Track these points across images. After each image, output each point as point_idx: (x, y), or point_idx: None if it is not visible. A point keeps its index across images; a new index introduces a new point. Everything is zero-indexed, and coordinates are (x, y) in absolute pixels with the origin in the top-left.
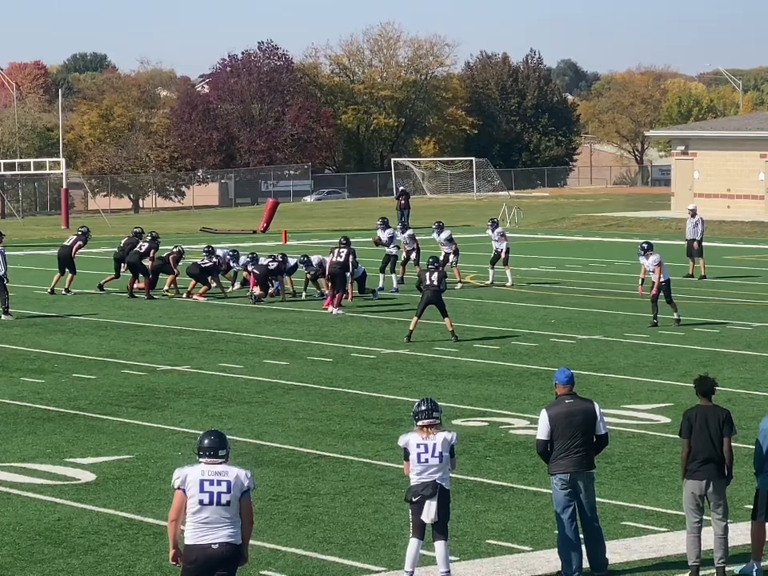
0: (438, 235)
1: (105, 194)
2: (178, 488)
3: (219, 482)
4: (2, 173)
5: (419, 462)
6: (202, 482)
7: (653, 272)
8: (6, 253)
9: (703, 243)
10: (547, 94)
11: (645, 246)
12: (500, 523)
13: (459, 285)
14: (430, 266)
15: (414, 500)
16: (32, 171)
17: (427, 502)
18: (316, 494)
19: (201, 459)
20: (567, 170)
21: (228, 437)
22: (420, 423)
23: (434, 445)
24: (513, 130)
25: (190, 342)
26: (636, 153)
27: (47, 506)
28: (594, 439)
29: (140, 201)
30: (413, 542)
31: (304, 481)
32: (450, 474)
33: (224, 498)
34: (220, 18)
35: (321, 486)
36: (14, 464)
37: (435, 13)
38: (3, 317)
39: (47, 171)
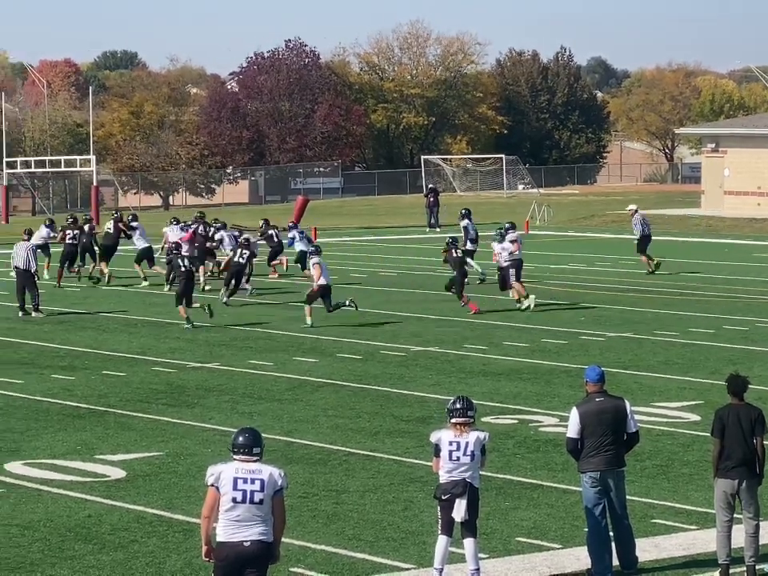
0: (506, 236)
1: (135, 191)
2: (212, 485)
3: (253, 481)
4: (33, 170)
5: (451, 459)
6: (235, 479)
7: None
8: (36, 250)
9: (645, 242)
10: (577, 91)
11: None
12: (530, 521)
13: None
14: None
15: (443, 498)
16: (62, 168)
17: (457, 500)
18: (345, 492)
19: (235, 456)
20: (597, 168)
21: None
22: (454, 421)
23: (467, 443)
24: (543, 128)
25: (220, 339)
26: (666, 150)
27: (77, 503)
28: (625, 437)
29: (170, 198)
30: (442, 539)
31: (333, 478)
32: (480, 472)
33: (257, 497)
34: (251, 17)
35: (350, 483)
36: (45, 461)
37: (463, 11)
38: (33, 314)
39: (78, 168)
